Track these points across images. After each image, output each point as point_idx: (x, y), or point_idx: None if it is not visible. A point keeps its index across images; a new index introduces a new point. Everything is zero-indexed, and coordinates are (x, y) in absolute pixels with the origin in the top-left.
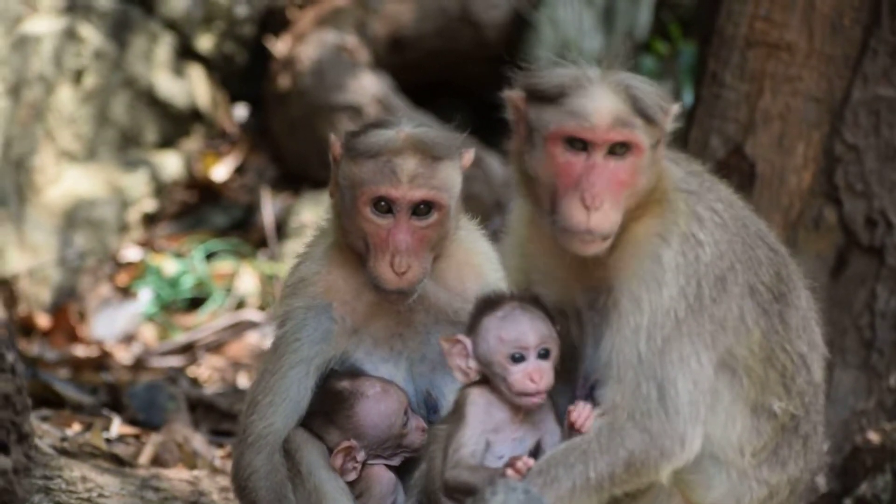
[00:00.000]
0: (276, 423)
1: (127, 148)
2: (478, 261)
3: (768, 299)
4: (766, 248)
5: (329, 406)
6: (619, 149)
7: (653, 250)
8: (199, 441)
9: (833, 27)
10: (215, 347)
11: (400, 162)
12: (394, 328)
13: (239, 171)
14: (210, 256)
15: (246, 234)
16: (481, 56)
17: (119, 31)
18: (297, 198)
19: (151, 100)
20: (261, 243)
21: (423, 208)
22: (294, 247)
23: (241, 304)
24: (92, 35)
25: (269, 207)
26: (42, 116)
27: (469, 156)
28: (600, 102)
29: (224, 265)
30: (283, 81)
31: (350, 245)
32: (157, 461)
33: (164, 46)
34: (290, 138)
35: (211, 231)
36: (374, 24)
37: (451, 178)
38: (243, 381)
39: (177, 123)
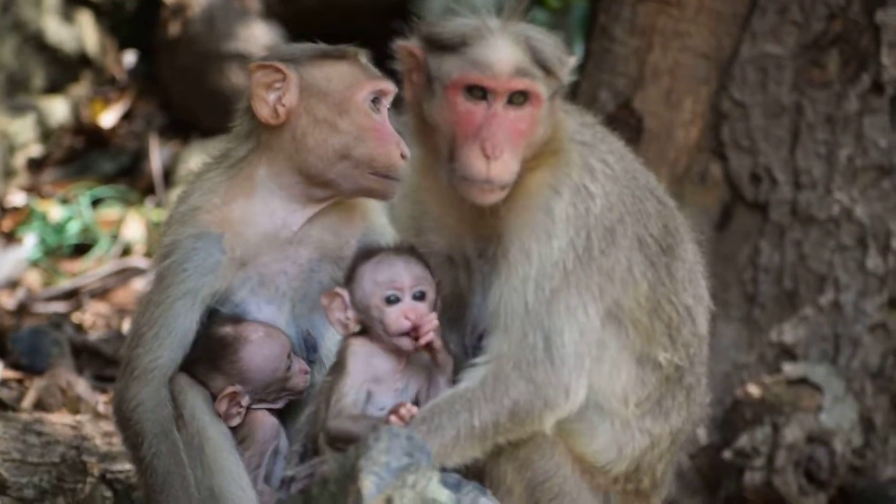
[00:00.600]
0: (162, 356)
1: (14, 93)
2: (364, 204)
3: (656, 252)
4: (655, 200)
5: (213, 352)
6: (518, 98)
7: (544, 202)
8: (82, 386)
9: None
10: (100, 294)
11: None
12: (282, 265)
13: (127, 117)
14: (97, 203)
15: (133, 181)
16: (373, 8)
17: None
18: (185, 146)
19: (40, 45)
20: (148, 191)
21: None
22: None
23: (127, 251)
24: None
25: (156, 154)
26: None
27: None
28: (502, 52)
29: (111, 212)
30: (173, 29)
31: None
32: (40, 405)
33: None
34: (179, 86)
35: (98, 178)
36: None
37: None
38: (128, 327)
39: (65, 69)
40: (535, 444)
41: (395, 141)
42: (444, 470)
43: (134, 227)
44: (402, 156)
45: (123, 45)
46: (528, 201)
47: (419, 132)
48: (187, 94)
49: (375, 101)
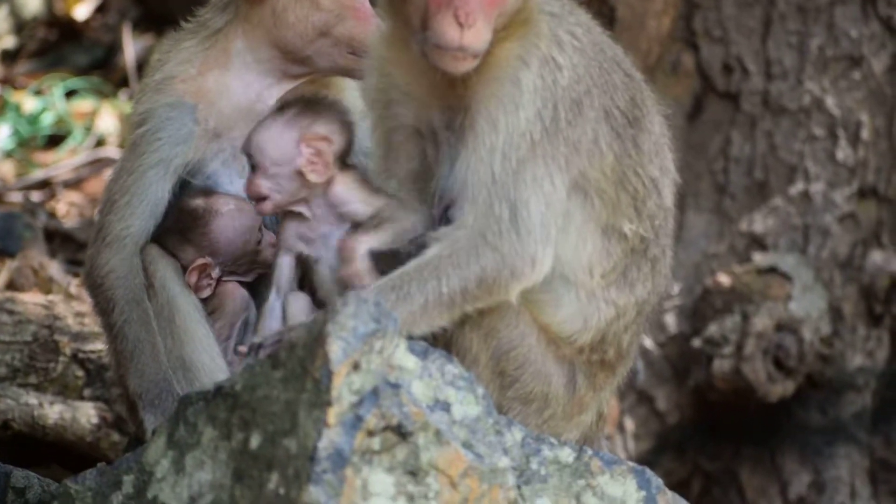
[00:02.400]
0: (133, 224)
1: None
2: (339, 82)
3: (622, 123)
4: (622, 73)
5: (184, 224)
6: None
7: (512, 73)
8: (55, 268)
9: None
10: (74, 184)
11: None
12: None
13: (100, 10)
14: (70, 95)
15: (107, 73)
16: None
17: None
18: (159, 38)
19: None
20: (122, 83)
21: None
22: None
23: (100, 143)
24: None
25: (130, 45)
26: None
27: None
28: None
29: (84, 104)
30: None
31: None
32: (12, 286)
33: None
34: None
35: (71, 70)
36: None
37: None
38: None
39: None
40: (501, 313)
41: (374, 21)
42: (410, 338)
43: (107, 120)
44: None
45: None
46: (497, 72)
47: (389, 2)
48: None
49: None
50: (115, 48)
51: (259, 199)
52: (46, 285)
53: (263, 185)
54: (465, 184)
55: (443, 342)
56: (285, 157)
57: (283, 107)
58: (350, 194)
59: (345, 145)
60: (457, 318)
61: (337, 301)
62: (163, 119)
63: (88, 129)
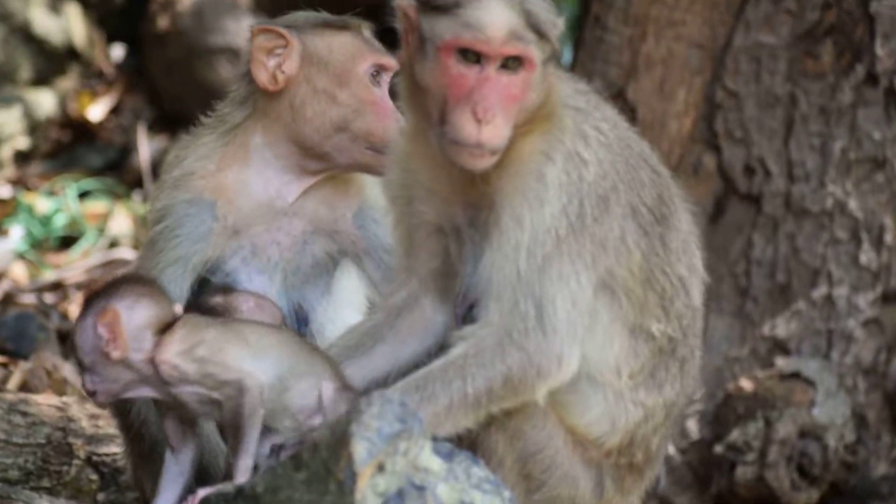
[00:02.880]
0: None
1: (1, 84)
2: (360, 177)
3: (650, 221)
4: (649, 169)
5: None
6: (512, 63)
7: (537, 168)
8: (68, 370)
9: None
10: (87, 286)
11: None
12: (275, 235)
13: (115, 111)
14: (83, 196)
15: (121, 175)
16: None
17: None
18: (173, 140)
19: (27, 36)
20: (135, 184)
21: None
22: None
23: (114, 245)
24: None
25: (145, 146)
26: None
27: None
28: (496, 15)
29: (98, 205)
30: (162, 22)
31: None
32: (25, 388)
33: None
34: (167, 80)
35: (85, 171)
36: None
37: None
38: None
39: (52, 61)
40: (527, 414)
41: (393, 116)
42: (435, 439)
43: (121, 221)
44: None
45: (111, 38)
46: (520, 167)
47: (410, 96)
48: (176, 88)
49: (376, 74)
50: (128, 149)
51: (91, 393)
52: (60, 387)
53: (87, 380)
54: (490, 281)
55: (467, 443)
56: (90, 344)
57: (86, 302)
58: (178, 360)
59: (149, 316)
60: (482, 419)
61: (362, 401)
62: (181, 216)
63: (101, 231)
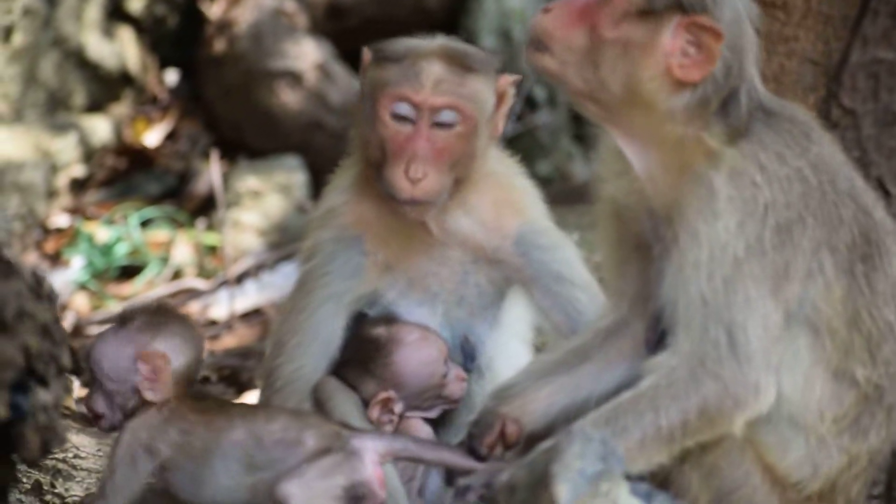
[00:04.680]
0: (305, 365)
1: (55, 110)
2: (517, 196)
3: (849, 259)
4: (855, 208)
5: (365, 354)
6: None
7: (704, 176)
8: None
9: None
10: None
11: (425, 66)
12: (429, 266)
13: (171, 137)
14: (144, 224)
15: (180, 202)
16: (422, 25)
17: None
18: (232, 166)
19: (81, 61)
20: (197, 212)
21: (446, 118)
22: (232, 215)
23: (178, 274)
24: None
25: (217, 171)
26: None
27: (507, 82)
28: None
29: (160, 233)
30: (219, 46)
31: (369, 161)
32: None
33: (95, 6)
34: (224, 104)
35: (142, 198)
36: None
37: (480, 92)
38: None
39: (106, 87)
40: (724, 450)
41: (405, 158)
42: (628, 478)
43: (183, 250)
44: (411, 179)
45: (165, 63)
46: (688, 175)
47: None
48: (233, 113)
49: (399, 109)
50: (186, 176)
51: (96, 416)
52: None
53: (99, 404)
54: (676, 305)
55: (660, 481)
56: (120, 375)
57: (124, 318)
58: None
59: (187, 365)
60: (675, 453)
61: (562, 439)
62: (329, 253)
63: (165, 260)
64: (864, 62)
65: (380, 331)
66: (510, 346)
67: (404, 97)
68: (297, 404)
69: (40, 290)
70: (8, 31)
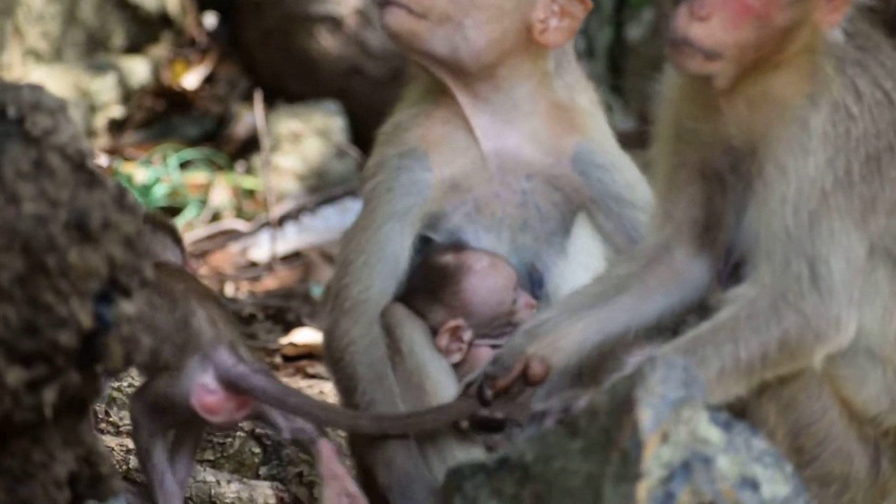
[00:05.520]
0: (373, 286)
1: (94, 51)
2: (576, 111)
3: None
4: None
5: (433, 282)
6: None
7: (801, 114)
8: None
9: None
10: (198, 257)
11: None
12: (491, 186)
13: (209, 80)
14: (183, 166)
15: (218, 145)
16: None
17: None
18: (270, 110)
19: (120, 2)
20: (236, 155)
21: None
22: (271, 159)
23: (216, 216)
24: None
25: (259, 111)
26: (10, 12)
27: None
28: None
29: (198, 175)
30: None
31: None
32: None
33: None
34: (263, 49)
35: (181, 141)
36: None
37: None
38: (230, 290)
39: (145, 28)
40: (802, 383)
41: None
42: (708, 407)
43: (222, 192)
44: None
45: (204, 6)
46: (783, 112)
47: None
48: (272, 58)
49: None
50: (225, 119)
51: None
52: None
53: None
54: (758, 238)
55: (736, 412)
56: None
57: None
58: None
59: None
60: (753, 385)
61: (641, 364)
62: (393, 169)
63: (203, 202)
64: None
65: (448, 258)
66: (578, 276)
67: None
68: (367, 327)
69: (124, 201)
70: None
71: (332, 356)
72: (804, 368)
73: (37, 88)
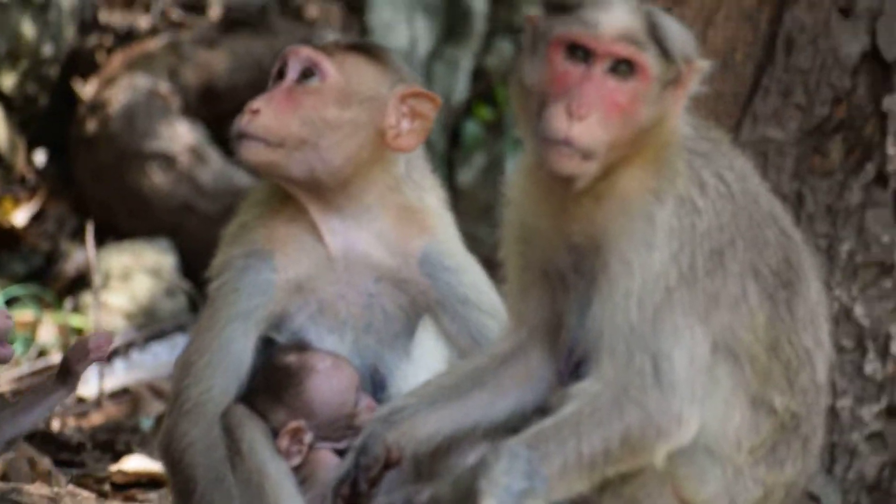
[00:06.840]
0: (214, 387)
1: None
2: (425, 213)
3: (774, 284)
4: (778, 230)
5: (275, 382)
6: (622, 68)
7: (645, 208)
8: (47, 463)
9: (725, 63)
10: (16, 395)
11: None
12: (335, 287)
13: (38, 217)
14: (9, 303)
15: (45, 282)
16: None
17: None
18: (101, 247)
19: None
20: (64, 292)
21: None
22: (100, 297)
23: (42, 353)
24: None
25: (90, 246)
26: None
27: None
28: (612, 14)
29: (25, 313)
30: (91, 126)
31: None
32: (5, 478)
33: None
34: (95, 186)
35: (8, 277)
36: (187, 73)
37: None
38: (56, 425)
39: None
40: (643, 482)
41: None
42: None
43: (49, 330)
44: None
45: (34, 142)
46: (627, 207)
47: (518, 99)
48: (104, 195)
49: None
50: (53, 257)
51: None
52: (45, 478)
53: None
54: (602, 334)
55: None
56: None
57: None
58: None
59: None
60: (596, 482)
61: (489, 454)
62: (238, 269)
63: (30, 340)
64: (753, 140)
65: (291, 358)
66: (420, 378)
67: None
68: (207, 428)
69: None
70: None
71: (170, 458)
72: (645, 466)
73: None
